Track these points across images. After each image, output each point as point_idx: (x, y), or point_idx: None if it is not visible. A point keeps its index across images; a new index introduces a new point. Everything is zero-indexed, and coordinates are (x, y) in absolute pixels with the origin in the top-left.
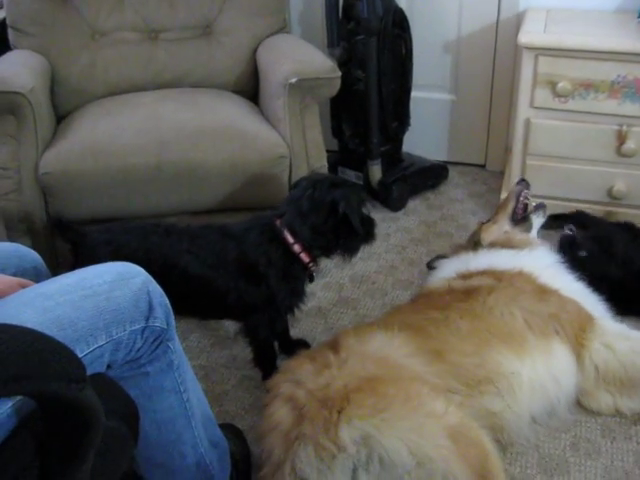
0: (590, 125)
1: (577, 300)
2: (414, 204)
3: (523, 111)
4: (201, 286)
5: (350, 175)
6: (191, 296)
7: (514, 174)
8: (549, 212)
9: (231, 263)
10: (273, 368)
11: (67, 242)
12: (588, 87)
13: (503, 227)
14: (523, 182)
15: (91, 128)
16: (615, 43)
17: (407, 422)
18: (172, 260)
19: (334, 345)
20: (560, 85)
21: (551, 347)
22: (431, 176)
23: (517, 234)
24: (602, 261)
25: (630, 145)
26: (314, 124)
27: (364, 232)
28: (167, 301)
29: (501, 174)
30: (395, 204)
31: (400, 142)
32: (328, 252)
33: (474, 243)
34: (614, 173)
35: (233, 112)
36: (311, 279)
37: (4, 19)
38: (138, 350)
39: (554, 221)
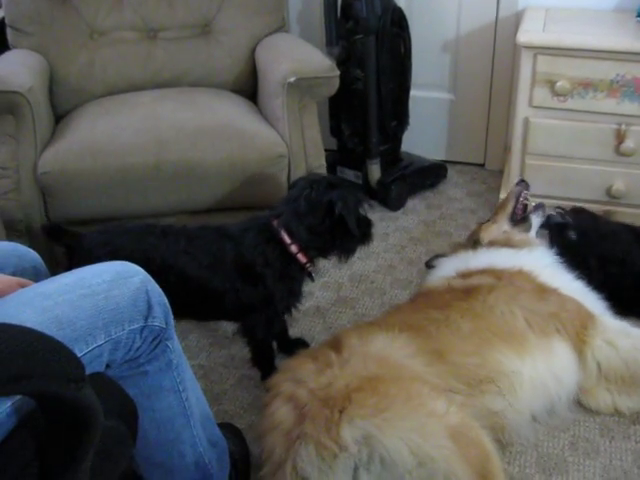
0: (589, 124)
1: (577, 298)
2: (413, 203)
3: (522, 110)
4: (199, 287)
5: (349, 174)
6: (189, 297)
7: (513, 173)
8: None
9: (229, 264)
10: (272, 368)
11: (62, 246)
12: (587, 86)
13: (502, 227)
14: (522, 183)
15: (90, 128)
16: (614, 42)
17: (408, 422)
18: (169, 261)
19: (336, 345)
20: (559, 84)
21: (552, 345)
22: (430, 175)
23: (516, 234)
24: (591, 243)
25: (629, 144)
26: (313, 123)
27: (361, 233)
28: (166, 300)
29: (500, 173)
30: (394, 203)
31: (399, 141)
32: (325, 253)
33: (474, 242)
34: (613, 172)
35: (232, 111)
36: (311, 279)
37: (3, 18)
38: (137, 349)
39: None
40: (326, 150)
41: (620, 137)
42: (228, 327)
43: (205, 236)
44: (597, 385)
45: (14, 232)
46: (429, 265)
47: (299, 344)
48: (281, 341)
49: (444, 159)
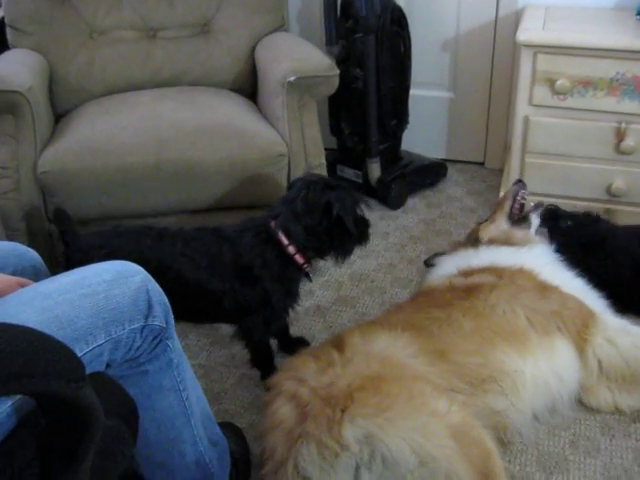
0: (589, 123)
1: (578, 296)
2: (413, 202)
3: (522, 109)
4: (196, 289)
5: (349, 173)
6: (186, 299)
7: (513, 172)
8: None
9: (226, 265)
10: (271, 368)
11: (61, 237)
12: (587, 84)
13: (500, 227)
14: (520, 182)
15: (89, 127)
16: (614, 40)
17: (410, 421)
18: (166, 263)
19: (339, 344)
20: (559, 83)
21: (553, 344)
22: (430, 174)
23: (516, 232)
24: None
25: (629, 142)
26: (312, 122)
27: (358, 233)
28: (166, 300)
29: (500, 172)
30: (394, 202)
31: (399, 140)
32: (322, 253)
33: (474, 240)
34: (613, 170)
35: (231, 110)
36: (309, 279)
37: (2, 18)
38: (137, 349)
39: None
40: (326, 149)
41: (620, 135)
42: (228, 326)
43: (202, 238)
44: (598, 383)
45: (14, 232)
46: (428, 264)
47: (300, 343)
48: (282, 340)
49: (444, 158)
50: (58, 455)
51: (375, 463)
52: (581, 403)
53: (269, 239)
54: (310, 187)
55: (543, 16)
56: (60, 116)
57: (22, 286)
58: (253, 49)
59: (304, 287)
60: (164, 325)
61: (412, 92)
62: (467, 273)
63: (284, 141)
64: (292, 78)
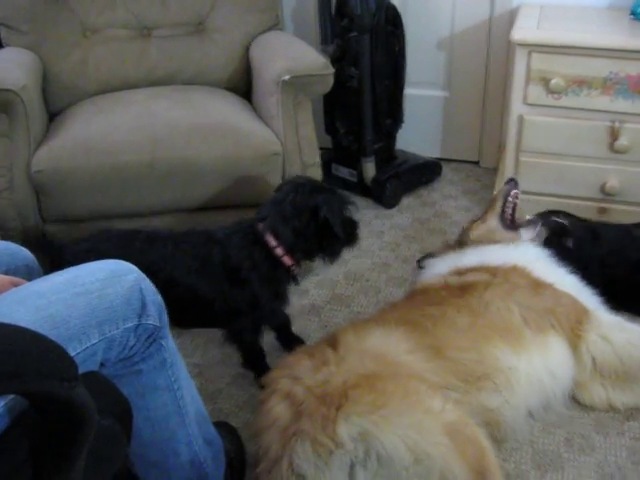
0: (583, 122)
1: (571, 293)
2: (408, 201)
3: (516, 108)
4: (186, 292)
5: (344, 172)
6: (176, 303)
7: (507, 171)
8: (542, 209)
9: (216, 268)
10: (264, 367)
11: (51, 264)
12: (581, 84)
13: (491, 227)
14: (512, 182)
15: (83, 126)
16: (608, 40)
17: (405, 419)
18: (155, 267)
19: (333, 342)
20: (553, 82)
21: (547, 341)
22: (425, 173)
23: (502, 232)
24: (591, 249)
25: (623, 142)
26: (307, 121)
27: (346, 235)
28: (160, 299)
29: (495, 171)
30: (389, 201)
31: (394, 139)
32: (310, 255)
33: (459, 242)
34: (607, 169)
35: (226, 109)
36: (295, 282)
37: None
38: (131, 348)
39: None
40: (321, 148)
41: (614, 134)
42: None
43: (192, 240)
44: (591, 380)
45: (7, 231)
46: (420, 265)
47: (297, 341)
48: (282, 335)
49: (439, 157)
50: (51, 455)
51: (370, 461)
52: (575, 401)
53: (257, 241)
54: (298, 190)
55: (538, 15)
56: (54, 115)
57: (15, 285)
58: (248, 48)
59: (299, 287)
60: (158, 324)
61: (407, 91)
62: (462, 272)
63: (279, 140)
64: (287, 77)
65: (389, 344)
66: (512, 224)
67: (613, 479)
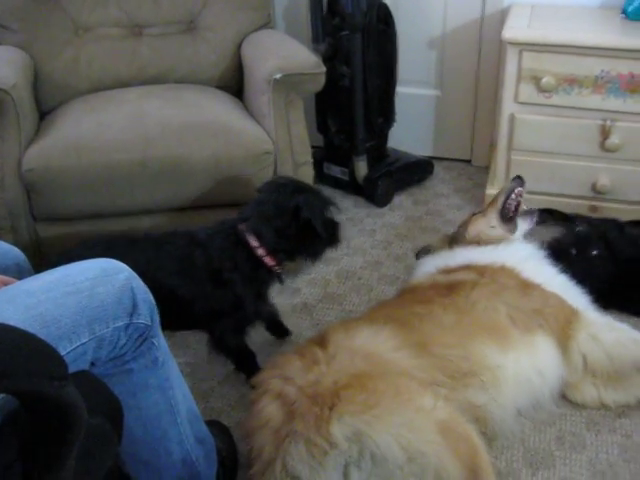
0: (574, 120)
1: (560, 293)
2: (399, 200)
3: (508, 106)
4: (170, 294)
5: (335, 171)
6: (160, 305)
7: (499, 169)
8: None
9: (199, 269)
10: (255, 368)
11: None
12: (572, 82)
13: (490, 221)
14: (518, 179)
15: (75, 124)
16: (599, 38)
17: (398, 417)
18: (138, 270)
19: (322, 341)
20: (544, 80)
21: (535, 341)
22: (416, 171)
23: (499, 231)
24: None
25: (614, 140)
26: (299, 120)
27: (328, 236)
28: (151, 297)
29: (486, 169)
30: (381, 200)
31: (385, 138)
32: (293, 256)
33: (456, 235)
34: (598, 168)
35: (218, 108)
36: (280, 281)
37: None
38: (122, 347)
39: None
40: (313, 147)
41: (605, 133)
42: None
43: (173, 242)
44: (582, 380)
45: None
46: (419, 257)
47: (285, 332)
48: (272, 325)
49: (430, 155)
50: (41, 454)
51: (364, 460)
52: (566, 399)
53: (239, 242)
54: (279, 190)
55: (529, 14)
56: (45, 113)
57: (5, 284)
58: (239, 46)
59: (291, 285)
60: (149, 323)
61: (398, 90)
62: (450, 271)
63: (270, 139)
64: (278, 76)
65: (377, 342)
66: (511, 220)
67: (604, 476)
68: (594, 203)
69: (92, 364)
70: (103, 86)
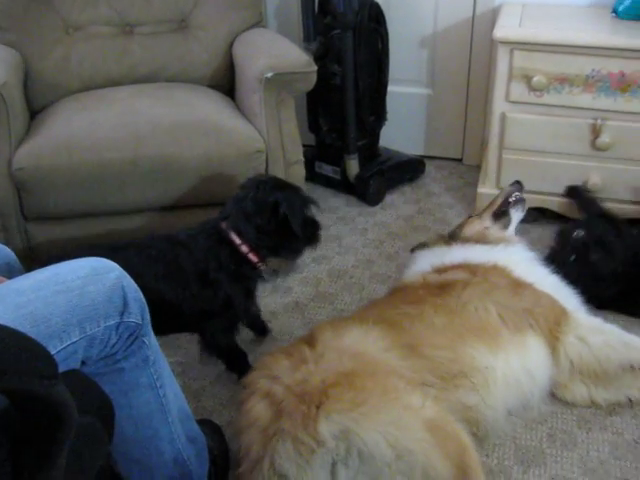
0: (565, 119)
1: (551, 294)
2: (391, 198)
3: (499, 105)
4: (157, 298)
5: (327, 170)
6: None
7: (490, 168)
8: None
9: (184, 271)
10: (247, 367)
11: None
12: (563, 81)
13: (485, 223)
14: (517, 184)
15: (66, 123)
16: (590, 37)
17: (385, 415)
18: None
19: (310, 340)
20: (535, 79)
21: (525, 341)
22: (408, 170)
23: (494, 231)
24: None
25: (604, 139)
26: (290, 118)
27: (307, 234)
28: (142, 296)
29: (478, 168)
30: (372, 198)
31: (377, 136)
32: (275, 252)
33: (451, 235)
34: (589, 166)
35: (209, 107)
36: (262, 278)
37: None
38: (113, 346)
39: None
40: (304, 145)
41: (596, 132)
42: None
43: (156, 246)
44: (571, 380)
45: None
46: (413, 253)
47: (264, 331)
48: (253, 321)
49: (422, 154)
50: (31, 453)
51: (352, 458)
52: (557, 397)
53: (222, 240)
54: (259, 187)
55: (520, 13)
56: (36, 112)
57: None
58: (231, 45)
59: (283, 284)
60: (140, 322)
61: (390, 89)
62: (441, 270)
63: (262, 137)
64: (269, 74)
65: (366, 342)
66: (504, 215)
67: (595, 474)
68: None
69: (83, 363)
70: (94, 85)
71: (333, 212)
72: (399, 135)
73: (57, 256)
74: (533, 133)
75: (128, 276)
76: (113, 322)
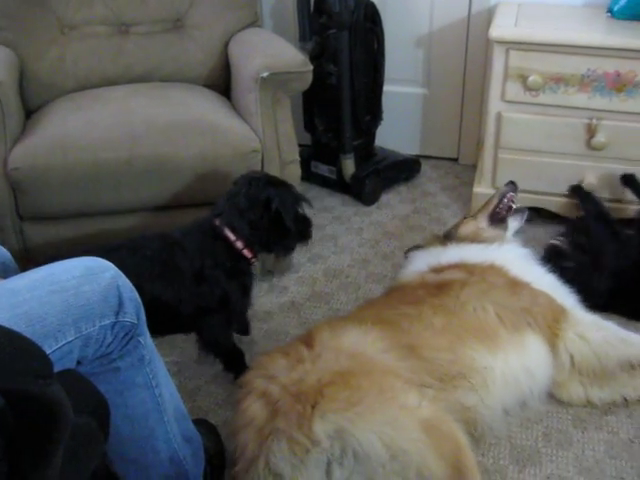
0: (560, 119)
1: (549, 292)
2: (387, 198)
3: (494, 105)
4: (154, 298)
5: (323, 169)
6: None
7: (486, 167)
8: (523, 204)
9: (180, 269)
10: (244, 366)
11: None
12: (558, 81)
13: (480, 224)
14: (511, 184)
15: (61, 123)
16: (585, 37)
17: (381, 415)
18: None
19: (308, 340)
20: (531, 79)
21: (524, 340)
22: (404, 170)
23: (489, 231)
24: (589, 272)
25: (600, 138)
26: (286, 118)
27: (299, 231)
28: (137, 296)
29: (474, 168)
30: (368, 198)
31: (373, 136)
32: (268, 248)
33: (444, 237)
34: (584, 166)
35: (205, 106)
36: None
37: None
38: (108, 345)
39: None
40: (300, 145)
41: (591, 131)
42: None
43: (150, 245)
44: (569, 379)
45: None
46: (407, 256)
47: (246, 331)
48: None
49: (418, 154)
50: (27, 452)
51: (347, 458)
52: (553, 396)
53: (217, 237)
54: (252, 183)
55: (515, 13)
56: (31, 112)
57: None
58: (226, 45)
59: (279, 284)
60: (135, 321)
61: (386, 88)
62: (439, 270)
63: (257, 137)
64: (265, 74)
65: (365, 343)
66: (501, 222)
67: (591, 473)
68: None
69: (78, 363)
70: (89, 84)
71: (329, 212)
72: (395, 135)
73: (52, 256)
74: (529, 133)
75: (123, 275)
76: (108, 322)
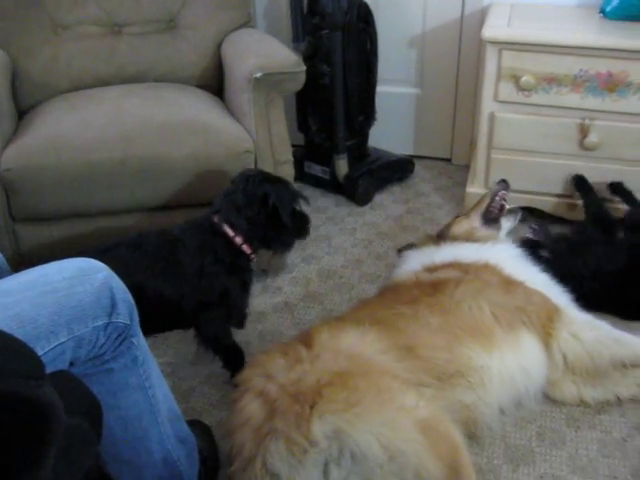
0: (553, 119)
1: (543, 291)
2: (380, 198)
3: (487, 105)
4: (155, 295)
5: (316, 169)
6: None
7: (479, 168)
8: (516, 204)
9: (181, 266)
10: (242, 365)
11: None
12: (551, 81)
13: (473, 223)
14: (503, 183)
15: (54, 123)
16: (577, 38)
17: (378, 416)
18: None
19: (307, 340)
20: (524, 79)
21: (519, 339)
22: (397, 170)
23: (482, 230)
24: (567, 262)
25: (592, 139)
26: (279, 118)
27: (296, 227)
28: (130, 297)
29: (467, 168)
30: (361, 198)
31: (366, 136)
32: (266, 244)
33: (439, 235)
34: (577, 166)
35: (198, 107)
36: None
37: None
38: (101, 346)
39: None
40: (293, 145)
41: (584, 131)
42: None
43: (149, 242)
44: (563, 378)
45: None
46: (400, 255)
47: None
48: None
49: (411, 154)
50: (19, 454)
51: (344, 458)
52: (547, 396)
53: (216, 233)
54: (249, 180)
55: (508, 13)
56: (24, 112)
57: None
58: (219, 45)
59: (273, 284)
60: (128, 322)
61: (379, 88)
62: (432, 269)
63: (251, 137)
64: (258, 74)
65: (363, 344)
66: (494, 222)
67: (584, 472)
68: (573, 201)
69: (71, 364)
70: (82, 85)
71: (322, 212)
72: (388, 135)
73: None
74: (521, 133)
75: (116, 276)
76: (101, 323)
